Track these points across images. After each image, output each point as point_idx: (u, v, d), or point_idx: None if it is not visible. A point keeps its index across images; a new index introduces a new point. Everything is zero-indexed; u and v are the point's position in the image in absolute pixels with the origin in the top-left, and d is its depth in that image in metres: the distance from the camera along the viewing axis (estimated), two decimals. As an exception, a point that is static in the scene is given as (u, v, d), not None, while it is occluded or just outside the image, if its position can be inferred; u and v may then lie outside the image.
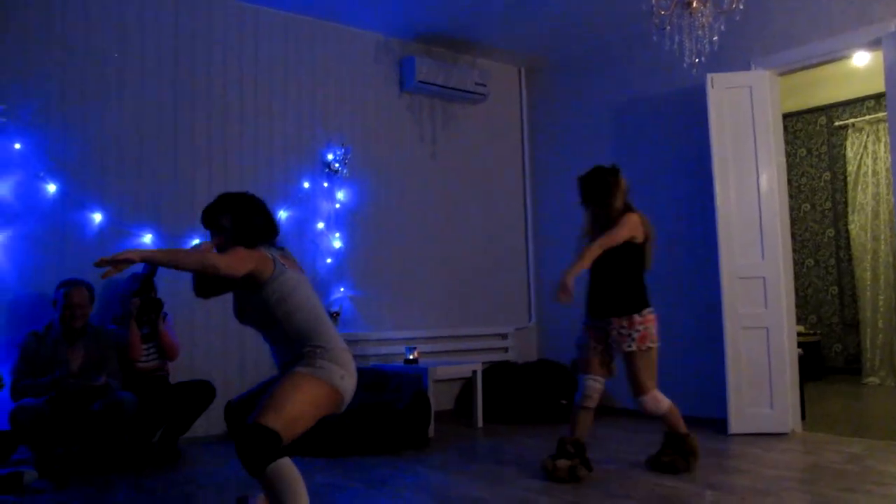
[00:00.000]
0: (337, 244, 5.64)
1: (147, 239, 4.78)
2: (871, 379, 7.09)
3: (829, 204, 7.83)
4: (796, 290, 5.14)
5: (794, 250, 5.17)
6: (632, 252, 3.80)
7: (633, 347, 3.73)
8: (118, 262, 2.27)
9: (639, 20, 5.40)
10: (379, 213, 5.91)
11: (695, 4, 3.93)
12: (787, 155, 6.98)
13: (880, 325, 7.13)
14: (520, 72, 6.94)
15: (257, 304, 2.59)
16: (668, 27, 4.03)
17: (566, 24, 5.85)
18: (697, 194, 5.38)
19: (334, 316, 5.43)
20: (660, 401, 3.79)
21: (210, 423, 4.72)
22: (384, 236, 5.93)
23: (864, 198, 7.36)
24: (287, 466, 2.35)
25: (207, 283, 2.78)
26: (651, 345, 3.75)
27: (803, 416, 4.99)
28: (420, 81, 5.94)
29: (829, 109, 7.78)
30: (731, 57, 5.10)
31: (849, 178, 7.52)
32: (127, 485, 3.75)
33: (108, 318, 4.55)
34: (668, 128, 5.72)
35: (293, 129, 5.53)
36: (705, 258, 5.18)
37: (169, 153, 4.97)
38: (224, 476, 3.88)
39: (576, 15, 5.69)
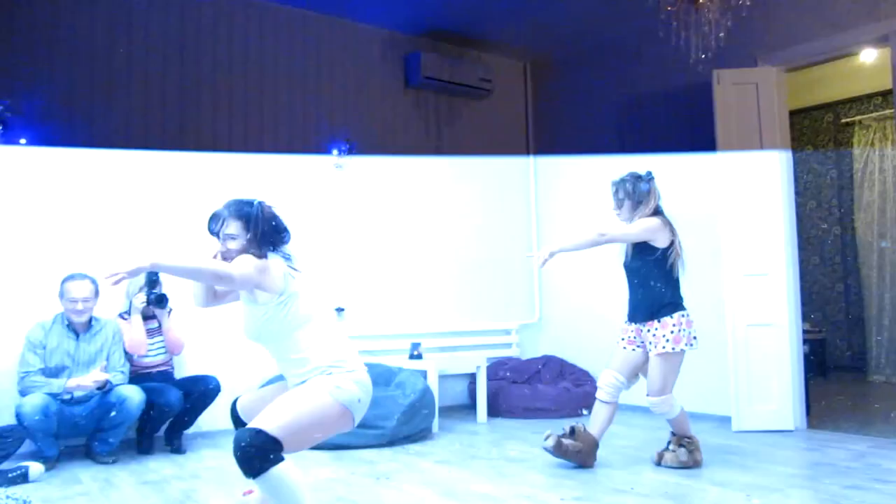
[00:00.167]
0: (342, 239, 5.64)
1: (152, 236, 4.79)
2: (876, 376, 7.08)
3: (835, 201, 7.80)
4: (802, 287, 5.12)
5: (800, 248, 5.15)
6: (660, 256, 3.84)
7: (663, 350, 3.76)
8: (130, 272, 2.20)
9: (645, 16, 5.38)
10: (384, 208, 5.91)
11: (701, 0, 3.92)
12: (794, 152, 6.95)
13: (886, 322, 7.11)
14: (525, 67, 6.93)
15: (271, 320, 2.47)
16: (675, 23, 4.03)
17: (571, 19, 5.84)
18: (704, 191, 5.35)
19: (339, 313, 5.44)
20: (673, 405, 3.82)
21: (214, 418, 4.74)
22: (389, 231, 5.93)
23: (871, 196, 7.34)
24: (287, 471, 2.28)
25: (211, 293, 2.66)
26: (680, 349, 3.78)
27: (808, 413, 4.99)
28: (426, 77, 5.93)
29: (836, 106, 7.74)
30: (737, 53, 5.08)
31: (855, 176, 7.49)
32: (132, 479, 3.77)
33: (114, 313, 4.56)
34: (674, 124, 5.70)
35: (299, 124, 5.53)
36: (711, 255, 5.16)
37: (175, 149, 4.96)
38: (228, 470, 3.88)
39: (581, 10, 5.67)
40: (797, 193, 6.87)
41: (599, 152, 6.27)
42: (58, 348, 4.12)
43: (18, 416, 3.82)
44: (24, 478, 3.61)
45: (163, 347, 4.54)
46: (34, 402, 3.82)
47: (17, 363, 4.11)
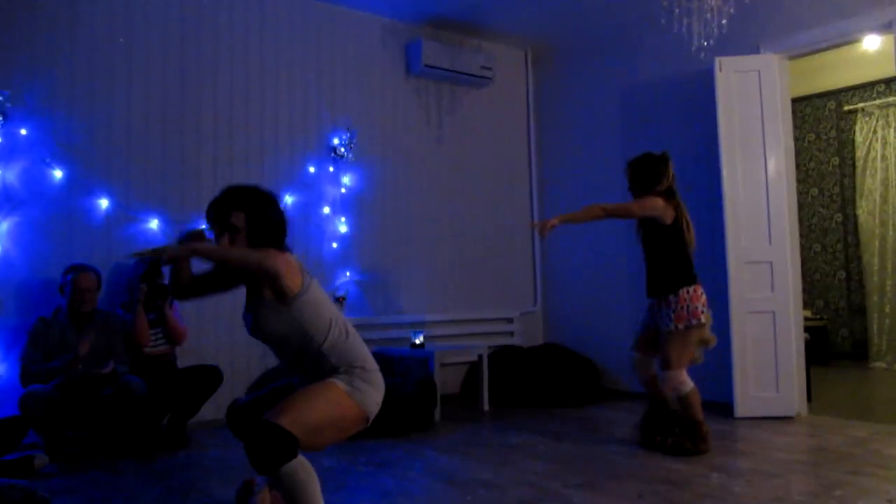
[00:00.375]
0: (343, 229, 5.64)
1: (153, 224, 4.79)
2: (877, 363, 7.10)
3: (837, 189, 7.79)
4: (803, 274, 5.13)
5: (802, 235, 5.16)
6: (665, 234, 3.90)
7: (670, 327, 3.81)
8: (159, 253, 2.21)
9: (647, 3, 5.35)
10: (385, 198, 5.90)
11: (703, -13, 3.90)
12: (796, 139, 6.94)
13: (887, 310, 7.12)
14: (526, 55, 6.91)
15: (285, 319, 2.37)
16: (677, 10, 4.01)
17: (573, 6, 5.80)
18: (705, 178, 5.35)
19: (340, 301, 5.45)
20: (683, 381, 3.83)
21: (218, 407, 4.74)
22: (390, 220, 5.93)
23: (873, 183, 7.33)
24: (302, 466, 2.20)
25: (198, 282, 2.55)
26: (687, 325, 3.81)
27: (809, 400, 5.00)
28: (426, 65, 5.92)
29: (839, 94, 7.71)
30: (739, 40, 5.06)
31: (857, 163, 7.48)
32: (135, 469, 3.78)
33: (116, 304, 4.57)
34: (675, 111, 5.68)
35: (299, 113, 5.52)
36: (712, 242, 5.16)
37: (175, 138, 4.96)
38: (231, 461, 3.90)
39: (583, -2, 5.65)
40: (799, 181, 6.87)
41: (600, 140, 6.26)
42: (60, 340, 4.13)
43: (22, 407, 3.83)
44: (28, 468, 3.63)
45: (163, 338, 4.54)
46: (37, 393, 3.83)
47: (19, 356, 4.12)
